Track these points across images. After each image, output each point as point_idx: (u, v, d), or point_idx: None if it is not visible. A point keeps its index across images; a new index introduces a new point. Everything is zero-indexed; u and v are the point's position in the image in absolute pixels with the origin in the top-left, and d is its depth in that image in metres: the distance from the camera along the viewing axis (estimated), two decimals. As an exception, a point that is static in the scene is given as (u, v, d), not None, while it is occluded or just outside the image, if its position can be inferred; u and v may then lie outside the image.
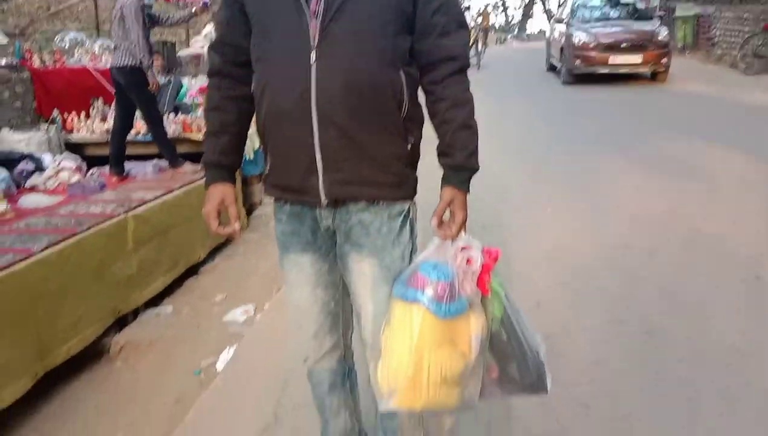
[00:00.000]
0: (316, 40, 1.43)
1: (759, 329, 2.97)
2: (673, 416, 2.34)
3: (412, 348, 1.43)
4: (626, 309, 3.22)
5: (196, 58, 9.33)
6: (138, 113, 5.33)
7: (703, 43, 15.56)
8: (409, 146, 1.55)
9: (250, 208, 5.99)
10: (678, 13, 16.51)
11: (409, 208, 1.61)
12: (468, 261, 1.49)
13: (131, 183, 5.01)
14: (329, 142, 1.46)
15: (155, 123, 5.18)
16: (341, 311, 1.75)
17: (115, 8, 4.97)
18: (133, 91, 4.97)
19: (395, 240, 1.57)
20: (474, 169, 1.54)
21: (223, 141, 1.64)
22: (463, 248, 1.51)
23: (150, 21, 5.04)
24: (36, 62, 6.41)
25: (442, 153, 1.55)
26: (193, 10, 5.49)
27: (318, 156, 1.48)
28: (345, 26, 1.42)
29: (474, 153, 1.53)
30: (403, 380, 1.45)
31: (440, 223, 1.52)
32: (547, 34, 15.43)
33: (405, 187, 1.58)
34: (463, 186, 1.53)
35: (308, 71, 1.43)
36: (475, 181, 1.56)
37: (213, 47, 1.64)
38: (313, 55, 1.43)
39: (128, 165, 5.37)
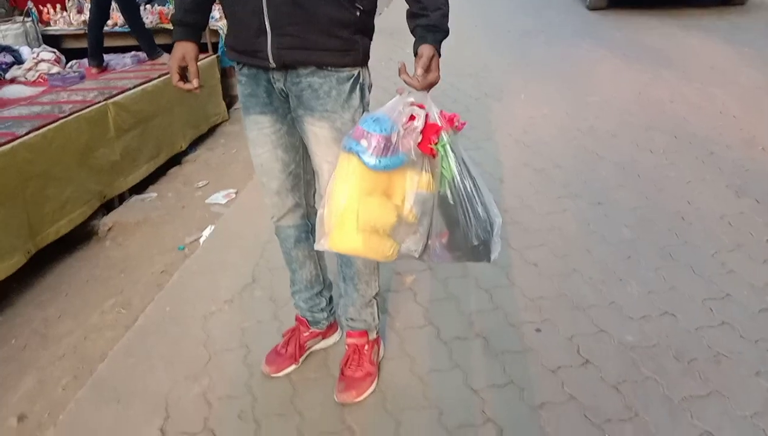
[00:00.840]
0: None
1: (705, 198, 3.18)
2: (613, 270, 2.58)
3: (344, 194, 1.52)
4: (583, 184, 3.42)
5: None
6: (114, 4, 5.28)
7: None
8: (358, 13, 1.60)
9: (230, 101, 6.04)
10: None
11: (359, 73, 1.68)
12: (411, 117, 1.52)
13: (110, 73, 5.04)
14: (277, 6, 1.53)
15: (132, 13, 5.13)
16: (302, 172, 1.89)
17: None
18: (108, -21, 4.90)
19: (344, 104, 1.66)
20: (447, 31, 1.57)
21: (187, 0, 1.74)
22: (412, 105, 1.53)
23: None
24: (5, -47, 6.24)
25: (414, 15, 1.58)
26: None
27: (266, 20, 1.55)
28: None
29: (446, 16, 1.57)
30: (335, 223, 1.54)
31: (422, 74, 1.54)
32: None
33: (353, 54, 1.64)
34: (437, 44, 1.56)
35: None
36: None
37: None
38: None
39: (107, 57, 5.37)
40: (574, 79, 5.53)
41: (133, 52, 5.56)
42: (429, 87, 1.54)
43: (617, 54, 6.27)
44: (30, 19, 5.85)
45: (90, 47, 5.21)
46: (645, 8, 8.57)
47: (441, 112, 1.55)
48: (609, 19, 8.20)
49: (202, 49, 5.57)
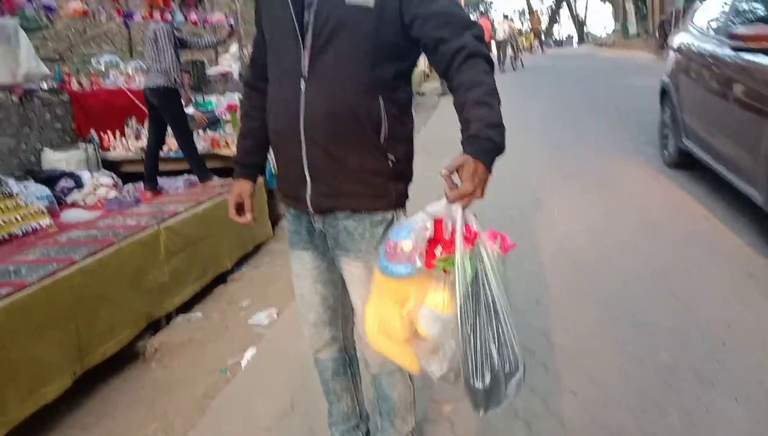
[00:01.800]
0: (306, 70, 1.66)
1: (746, 319, 3.14)
2: (652, 397, 2.54)
3: (370, 294, 1.59)
4: (619, 303, 3.42)
5: (224, 75, 9.72)
6: (169, 131, 5.70)
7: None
8: (391, 163, 1.72)
9: (275, 219, 6.28)
10: (702, 13, 16.41)
11: (392, 216, 1.79)
12: (425, 228, 1.47)
13: (164, 197, 5.35)
14: (314, 159, 1.70)
15: (186, 140, 5.52)
16: (340, 307, 1.99)
17: (147, 31, 5.34)
18: (166, 110, 5.32)
19: (378, 245, 1.74)
20: (491, 139, 1.43)
21: (247, 143, 2.02)
22: (436, 215, 1.47)
23: (180, 43, 5.39)
24: (74, 85, 6.84)
25: (462, 132, 1.48)
26: (218, 38, 5.82)
27: (306, 171, 1.72)
28: (329, 59, 1.64)
29: (492, 126, 1.44)
30: (365, 322, 1.60)
31: (450, 184, 1.43)
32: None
33: (386, 198, 1.75)
34: (479, 155, 1.41)
35: (299, 97, 1.67)
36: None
37: (249, 63, 2.05)
38: (302, 83, 1.66)
39: (161, 180, 5.72)
40: (609, 192, 5.61)
41: (185, 176, 5.90)
42: (462, 200, 1.41)
43: (646, 164, 6.37)
44: (92, 145, 6.31)
45: (146, 172, 5.58)
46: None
47: (467, 225, 1.45)
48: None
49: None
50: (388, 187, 1.76)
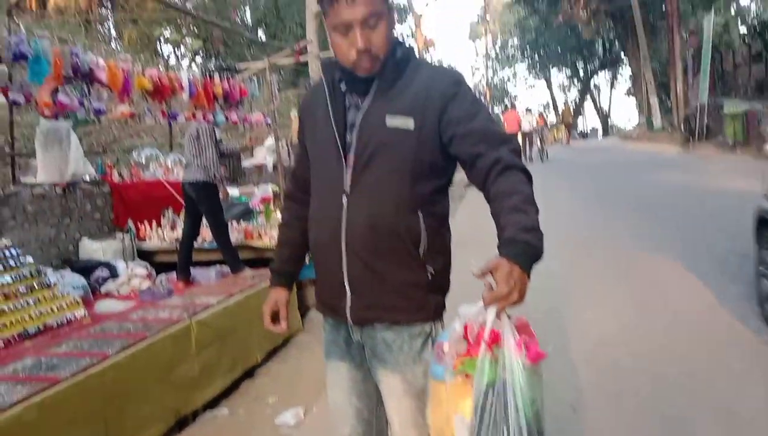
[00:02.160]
0: (348, 186, 1.72)
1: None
2: None
3: None
4: (658, 412, 3.30)
5: (259, 167, 10.04)
6: (204, 222, 5.84)
7: (754, 139, 15.55)
8: (429, 275, 1.75)
9: (304, 310, 6.28)
10: (726, 110, 16.65)
11: (431, 328, 1.79)
12: (455, 330, 1.45)
13: (196, 288, 5.42)
14: (355, 272, 1.73)
15: (222, 232, 5.64)
16: (374, 419, 1.94)
17: (190, 128, 5.57)
18: (204, 203, 5.48)
19: (416, 358, 1.75)
20: (528, 243, 1.41)
21: (285, 252, 2.04)
22: (467, 317, 1.43)
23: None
24: (115, 176, 7.09)
25: (498, 239, 1.47)
26: (236, 149, 6.01)
27: (346, 283, 1.75)
28: (370, 177, 1.71)
29: (528, 230, 1.43)
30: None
31: (487, 286, 1.40)
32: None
33: (425, 311, 1.76)
34: (515, 258, 1.38)
35: (341, 212, 1.72)
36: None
37: (290, 176, 2.11)
38: (344, 199, 1.72)
39: (193, 271, 5.81)
40: (644, 293, 5.53)
41: (217, 266, 5.98)
42: (498, 302, 1.36)
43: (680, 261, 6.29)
44: (128, 235, 6.47)
45: (180, 262, 5.68)
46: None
47: (493, 331, 1.38)
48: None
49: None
50: (427, 299, 1.77)
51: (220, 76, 5.61)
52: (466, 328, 1.42)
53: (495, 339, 1.38)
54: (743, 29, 28.17)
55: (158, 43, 21.93)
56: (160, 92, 4.80)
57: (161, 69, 5.19)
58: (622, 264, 6.59)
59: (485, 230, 1.60)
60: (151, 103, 5.07)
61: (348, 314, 1.78)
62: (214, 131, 5.41)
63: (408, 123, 1.68)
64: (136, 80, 4.53)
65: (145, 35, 19.09)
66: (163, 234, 6.66)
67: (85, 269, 5.56)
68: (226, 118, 6.03)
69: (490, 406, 1.35)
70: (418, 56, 1.86)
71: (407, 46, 1.81)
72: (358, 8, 1.59)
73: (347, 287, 1.76)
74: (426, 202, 1.74)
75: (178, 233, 6.52)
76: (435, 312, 1.80)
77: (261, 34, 26.14)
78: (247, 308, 4.91)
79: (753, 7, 33.63)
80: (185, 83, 5.03)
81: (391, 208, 1.70)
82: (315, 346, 5.48)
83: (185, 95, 5.10)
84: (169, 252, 6.42)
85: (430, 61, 1.91)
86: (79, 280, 5.22)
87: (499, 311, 1.38)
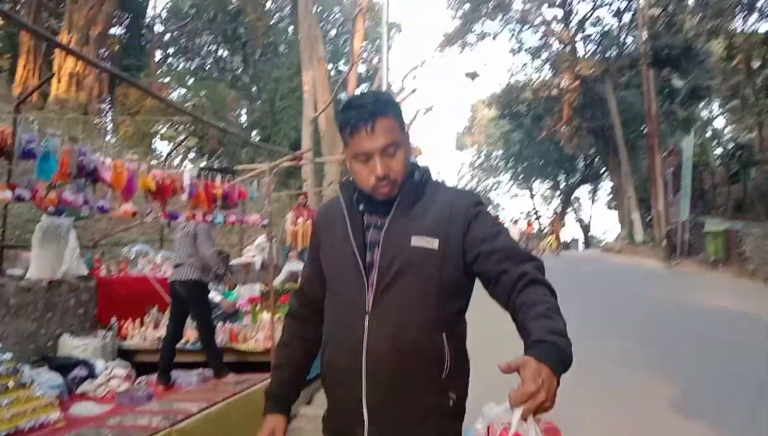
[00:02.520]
0: (370, 307, 1.68)
1: None
2: None
3: None
4: None
5: (246, 266, 9.99)
6: (188, 324, 5.72)
7: (735, 258, 15.84)
8: (451, 402, 1.69)
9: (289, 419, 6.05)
10: (707, 228, 17.05)
11: None
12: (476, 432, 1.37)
13: (176, 393, 5.23)
14: (375, 398, 1.65)
15: (209, 334, 5.53)
16: None
17: (186, 228, 5.54)
18: (193, 303, 5.40)
19: None
20: (556, 344, 1.36)
21: (284, 374, 1.92)
22: (490, 419, 1.33)
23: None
24: (103, 271, 7.00)
25: (525, 344, 1.42)
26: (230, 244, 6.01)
27: (365, 409, 1.66)
28: (393, 297, 1.67)
29: (556, 333, 1.39)
30: None
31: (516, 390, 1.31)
32: None
33: None
34: (543, 358, 1.31)
35: (362, 333, 1.67)
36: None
37: (295, 293, 2.02)
38: (366, 320, 1.67)
39: (174, 373, 5.63)
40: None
41: (200, 370, 5.81)
42: (525, 403, 1.27)
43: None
44: (110, 332, 6.30)
45: (161, 364, 5.51)
46: None
47: (516, 434, 1.27)
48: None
49: (267, 368, 5.85)
50: (448, 427, 1.72)
51: (221, 178, 5.68)
52: (489, 429, 1.33)
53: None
54: (719, 150, 29.44)
55: (153, 139, 22.32)
56: (162, 192, 4.84)
57: (164, 169, 5.23)
58: (618, 386, 6.48)
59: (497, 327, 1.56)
60: (152, 202, 5.09)
61: None
62: (210, 232, 5.41)
63: (433, 243, 1.68)
64: (140, 180, 4.57)
65: (140, 131, 19.44)
66: (146, 333, 6.50)
67: (64, 366, 5.38)
68: (225, 219, 6.05)
69: None
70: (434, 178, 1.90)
71: (424, 167, 1.85)
72: (377, 139, 1.67)
73: (365, 415, 1.67)
74: (450, 324, 1.72)
75: (161, 332, 6.38)
76: None
77: (254, 134, 26.82)
78: (229, 416, 4.72)
79: (727, 129, 35.41)
80: (186, 184, 5.09)
81: (417, 328, 1.67)
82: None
83: (185, 196, 5.14)
84: (151, 352, 6.25)
85: (448, 185, 1.93)
86: (57, 379, 5.04)
87: (526, 412, 1.27)
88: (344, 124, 1.71)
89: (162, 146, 24.89)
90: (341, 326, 1.75)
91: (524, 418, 1.27)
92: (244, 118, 28.60)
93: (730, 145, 24.20)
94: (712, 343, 7.96)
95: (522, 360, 1.31)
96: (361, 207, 1.79)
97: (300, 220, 10.71)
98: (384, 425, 1.67)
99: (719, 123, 36.11)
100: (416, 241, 1.69)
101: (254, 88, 30.28)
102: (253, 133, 27.11)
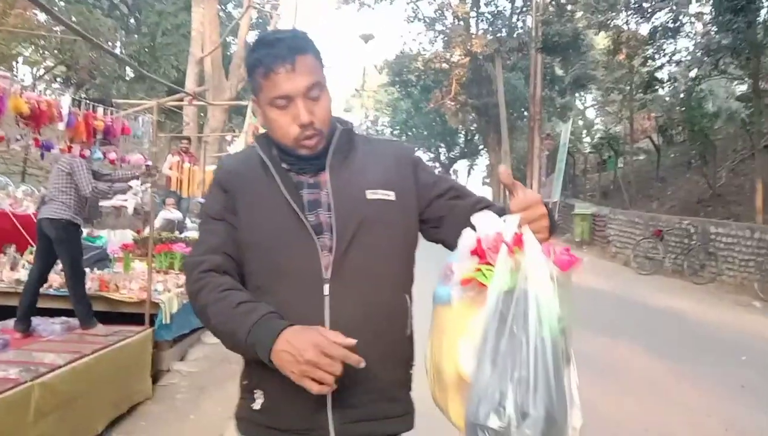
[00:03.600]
0: (330, 274, 1.42)
1: None
2: None
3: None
4: None
5: (117, 209, 9.29)
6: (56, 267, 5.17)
7: (599, 240, 16.99)
8: (411, 371, 1.55)
9: (155, 375, 5.67)
10: (576, 210, 18.14)
11: None
12: (467, 239, 1.26)
13: (37, 342, 4.71)
14: (342, 377, 1.29)
15: (78, 280, 5.01)
16: None
17: (60, 162, 4.94)
18: (63, 245, 4.85)
19: None
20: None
21: (245, 294, 1.43)
22: (482, 228, 1.24)
23: (95, 176, 5.04)
24: (-49, 201, 6.19)
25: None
26: (134, 173, 5.53)
27: (328, 395, 1.36)
28: (358, 259, 1.43)
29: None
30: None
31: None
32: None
33: (409, 418, 1.53)
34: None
35: (321, 305, 1.41)
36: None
37: (214, 251, 1.47)
38: (326, 289, 1.41)
39: (34, 321, 5.08)
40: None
41: (63, 318, 5.28)
42: (526, 210, 1.26)
43: None
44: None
45: (20, 309, 4.95)
46: None
47: (516, 234, 1.19)
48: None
49: (139, 321, 5.44)
50: (409, 402, 1.54)
51: (104, 110, 5.08)
52: (479, 242, 1.23)
53: (518, 242, 1.19)
54: (587, 139, 31.32)
55: (14, 62, 20.15)
56: (36, 118, 4.21)
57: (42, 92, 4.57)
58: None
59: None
60: (23, 127, 4.44)
61: (332, 433, 1.41)
62: (89, 167, 4.85)
63: (390, 195, 1.50)
64: (11, 101, 3.94)
65: (0, 51, 17.44)
66: (1, 274, 5.82)
67: None
68: (104, 155, 5.46)
69: (507, 314, 1.14)
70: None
71: (345, 119, 1.62)
72: (299, 79, 1.41)
73: (329, 400, 1.39)
74: (411, 281, 1.57)
75: (19, 274, 5.74)
76: (414, 418, 1.55)
77: (129, 70, 24.98)
78: (97, 371, 4.31)
79: (597, 120, 37.85)
80: (65, 111, 4.47)
81: (386, 291, 1.47)
82: (166, 418, 4.93)
83: (62, 125, 4.52)
84: (6, 294, 5.61)
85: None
86: None
87: (524, 220, 1.24)
88: (256, 64, 1.44)
89: (24, 72, 22.55)
90: (289, 300, 1.42)
91: (521, 225, 1.21)
92: (118, 51, 26.50)
93: (598, 135, 25.85)
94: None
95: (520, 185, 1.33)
96: (283, 164, 1.50)
97: (186, 166, 10.05)
98: (353, 408, 1.42)
99: (590, 113, 38.60)
100: (372, 194, 1.48)
101: (131, 20, 28.12)
102: (127, 69, 25.21)
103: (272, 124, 1.46)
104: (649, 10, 16.63)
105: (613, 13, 16.94)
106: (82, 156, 4.72)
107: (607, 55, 19.30)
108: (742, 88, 18.77)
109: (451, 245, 1.42)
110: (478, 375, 1.12)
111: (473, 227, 1.29)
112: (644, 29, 18.13)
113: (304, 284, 1.43)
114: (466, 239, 1.26)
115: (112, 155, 5.51)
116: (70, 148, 4.72)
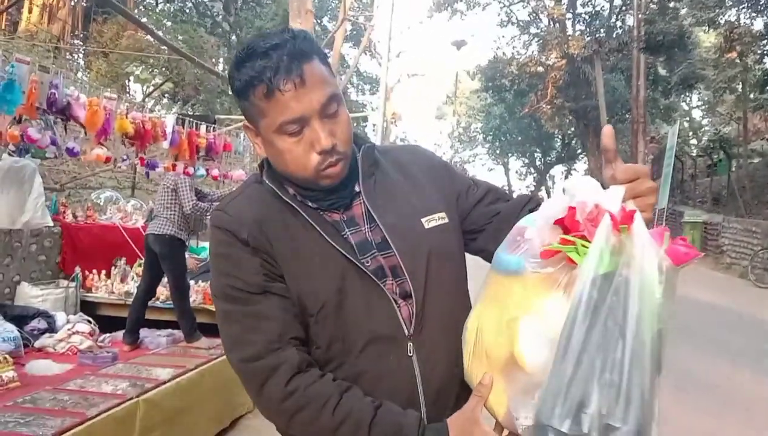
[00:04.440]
0: (412, 329, 1.19)
1: None
2: None
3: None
4: None
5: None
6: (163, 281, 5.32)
7: (711, 250, 15.89)
8: None
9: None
10: (686, 218, 17.06)
11: None
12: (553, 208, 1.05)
13: (143, 355, 4.84)
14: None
15: (183, 294, 5.14)
16: None
17: (165, 180, 5.10)
18: (167, 260, 4.99)
19: None
20: None
21: (375, 402, 1.15)
22: (575, 196, 1.01)
23: (198, 195, 5.17)
24: (69, 217, 6.51)
25: None
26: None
27: None
28: (437, 303, 1.22)
29: None
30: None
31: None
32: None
33: None
34: None
35: (410, 370, 1.18)
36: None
37: (288, 340, 1.16)
38: (409, 347, 1.18)
39: (141, 333, 5.24)
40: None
41: (168, 331, 5.43)
42: (632, 182, 1.05)
43: None
44: (74, 283, 5.87)
45: (129, 322, 5.11)
46: None
47: (624, 208, 0.98)
48: None
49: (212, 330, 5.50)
50: None
51: (206, 128, 5.20)
52: (572, 210, 0.99)
53: (627, 220, 0.95)
54: (693, 141, 29.51)
55: (126, 80, 21.38)
56: (141, 137, 4.35)
57: (145, 113, 4.73)
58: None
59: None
60: (128, 147, 4.60)
61: None
62: (193, 185, 4.97)
63: (442, 217, 1.29)
64: (117, 122, 4.08)
65: (114, 70, 18.54)
66: (112, 286, 6.07)
67: (21, 317, 4.96)
68: (207, 172, 5.59)
69: (601, 304, 0.92)
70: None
71: (359, 132, 1.40)
72: (312, 94, 1.12)
73: None
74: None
75: (128, 286, 5.96)
76: None
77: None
78: (200, 385, 4.36)
79: (705, 121, 35.67)
80: (168, 130, 4.59)
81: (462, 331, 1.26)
82: (267, 432, 4.92)
83: (166, 143, 4.65)
84: (116, 306, 5.86)
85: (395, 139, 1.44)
86: (12, 331, 4.60)
87: (629, 193, 1.02)
88: (251, 83, 1.12)
89: (135, 89, 23.92)
90: (371, 371, 1.18)
91: (626, 199, 1.00)
92: (221, 67, 27.63)
93: (705, 138, 24.20)
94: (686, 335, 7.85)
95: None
96: (309, 203, 1.23)
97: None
98: None
99: (695, 114, 36.43)
100: (428, 223, 1.26)
101: (233, 37, 29.24)
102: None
103: (284, 157, 1.16)
104: (764, 4, 15.43)
105: (722, 9, 15.82)
106: (186, 174, 4.83)
107: (716, 53, 18.08)
108: None
109: (490, 257, 1.18)
110: (557, 369, 0.92)
111: (564, 192, 1.05)
112: (758, 24, 16.89)
113: (387, 348, 1.19)
114: (553, 205, 1.04)
115: (215, 172, 5.62)
116: (174, 166, 4.84)
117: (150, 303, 5.51)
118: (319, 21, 29.80)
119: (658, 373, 0.97)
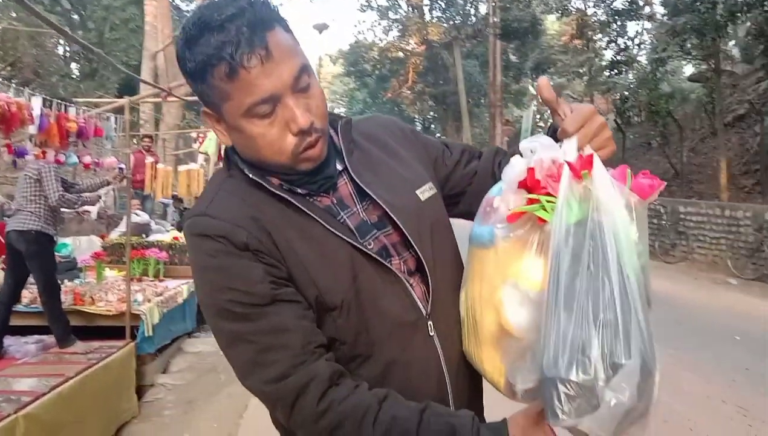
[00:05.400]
0: (429, 309, 1.11)
1: None
2: None
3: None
4: None
5: (80, 214, 8.78)
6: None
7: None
8: None
9: (139, 390, 5.31)
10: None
11: None
12: (514, 169, 1.03)
13: (12, 366, 4.31)
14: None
15: (54, 296, 4.62)
16: None
17: (26, 169, 4.54)
18: (35, 259, 4.46)
19: None
20: None
21: (421, 405, 1.02)
22: (537, 159, 1.00)
23: (65, 186, 4.66)
24: None
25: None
26: (103, 180, 5.13)
27: None
28: (445, 280, 1.15)
29: None
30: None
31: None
32: None
33: None
34: None
35: (434, 353, 1.11)
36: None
37: (314, 348, 1.02)
38: (429, 327, 1.11)
39: (5, 341, 4.67)
40: None
41: (36, 336, 4.89)
42: (582, 127, 1.01)
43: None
44: None
45: (-8, 332, 4.53)
46: None
47: (581, 156, 0.97)
48: None
49: (116, 334, 5.07)
50: None
51: (76, 111, 4.65)
52: (530, 171, 0.98)
53: (586, 165, 0.95)
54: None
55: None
56: (7, 121, 3.78)
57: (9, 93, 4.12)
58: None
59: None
60: (-8, 133, 3.99)
61: None
62: (59, 175, 4.45)
63: (431, 187, 1.21)
64: (-21, 105, 3.53)
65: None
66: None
67: None
68: (79, 159, 5.04)
69: (580, 250, 0.92)
70: None
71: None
72: (282, 67, 0.97)
73: None
74: None
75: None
76: None
77: (75, 68, 23.97)
78: (84, 395, 3.97)
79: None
80: (36, 113, 4.03)
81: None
82: None
83: (33, 128, 4.08)
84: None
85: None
86: None
87: (583, 138, 1.00)
88: (209, 63, 0.95)
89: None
90: (399, 360, 1.09)
91: (582, 145, 1.00)
92: (61, 49, 25.35)
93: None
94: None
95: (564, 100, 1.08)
96: (299, 190, 1.09)
97: (160, 166, 9.59)
98: None
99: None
100: (422, 193, 1.18)
101: (74, 15, 26.98)
102: (73, 65, 24.16)
103: (255, 143, 1.01)
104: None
105: (570, -2, 17.00)
106: (58, 161, 4.33)
107: (566, 39, 19.38)
108: (689, 69, 19.02)
109: (473, 217, 1.14)
110: (551, 323, 0.91)
111: (520, 154, 1.04)
112: (601, 13, 18.29)
113: (411, 331, 1.10)
114: (513, 169, 1.03)
115: (87, 159, 5.09)
116: (44, 153, 4.31)
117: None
118: (172, 1, 28.28)
119: (648, 307, 0.97)
